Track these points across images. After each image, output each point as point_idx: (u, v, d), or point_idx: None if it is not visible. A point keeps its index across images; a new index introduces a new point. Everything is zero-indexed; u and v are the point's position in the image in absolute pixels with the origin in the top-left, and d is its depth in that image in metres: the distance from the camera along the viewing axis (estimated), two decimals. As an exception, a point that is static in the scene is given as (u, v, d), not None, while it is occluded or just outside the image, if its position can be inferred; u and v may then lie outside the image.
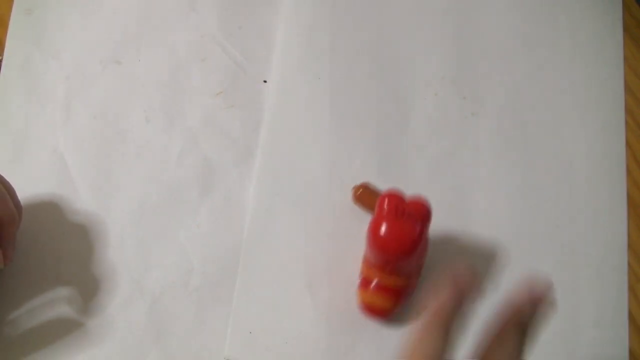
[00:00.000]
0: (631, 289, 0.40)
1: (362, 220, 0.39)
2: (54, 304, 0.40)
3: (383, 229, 0.36)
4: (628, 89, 0.45)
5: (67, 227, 0.41)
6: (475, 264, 0.41)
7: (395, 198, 0.37)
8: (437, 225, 0.41)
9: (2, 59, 0.45)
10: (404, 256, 0.36)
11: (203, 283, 0.40)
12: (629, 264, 0.41)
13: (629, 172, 0.43)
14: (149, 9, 0.47)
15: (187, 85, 0.45)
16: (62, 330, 0.39)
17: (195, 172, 0.43)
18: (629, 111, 0.45)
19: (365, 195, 0.41)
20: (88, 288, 0.40)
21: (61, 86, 0.45)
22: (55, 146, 0.43)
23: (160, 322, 0.39)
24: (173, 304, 0.40)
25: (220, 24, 0.47)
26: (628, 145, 0.44)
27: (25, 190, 0.41)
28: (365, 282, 0.38)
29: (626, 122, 0.44)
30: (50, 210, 0.42)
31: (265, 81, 0.45)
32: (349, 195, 0.42)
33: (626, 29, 0.47)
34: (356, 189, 0.41)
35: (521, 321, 0.27)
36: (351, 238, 0.41)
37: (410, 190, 0.42)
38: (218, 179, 0.43)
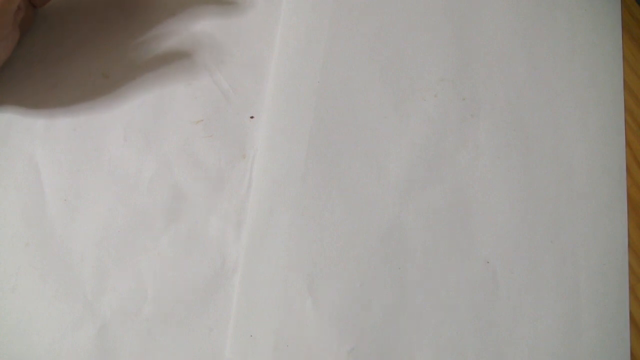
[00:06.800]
0: (632, 289, 0.40)
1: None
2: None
3: None
4: (628, 89, 0.45)
5: (29, 237, 0.41)
6: (474, 266, 0.41)
7: None
8: (437, 228, 0.41)
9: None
10: None
11: (155, 314, 0.39)
12: (630, 265, 0.41)
13: (629, 172, 0.43)
14: (143, 27, 0.47)
15: (168, 108, 0.45)
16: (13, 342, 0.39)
17: (163, 199, 0.42)
18: (628, 111, 0.45)
19: None
20: (42, 303, 0.39)
21: (46, 95, 0.45)
22: (32, 154, 0.43)
23: (106, 348, 0.39)
24: (122, 331, 0.39)
25: (212, 48, 0.47)
26: (628, 145, 0.44)
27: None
28: None
29: (626, 122, 0.44)
30: (17, 218, 0.42)
31: (252, 117, 0.44)
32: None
33: (626, 29, 0.47)
34: None
35: None
36: (351, 239, 0.41)
37: (409, 191, 0.42)
38: (185, 210, 0.42)
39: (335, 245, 0.41)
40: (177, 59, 0.46)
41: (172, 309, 0.39)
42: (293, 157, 0.43)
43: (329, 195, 0.42)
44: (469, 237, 0.41)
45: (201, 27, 0.47)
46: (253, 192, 0.42)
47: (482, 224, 0.41)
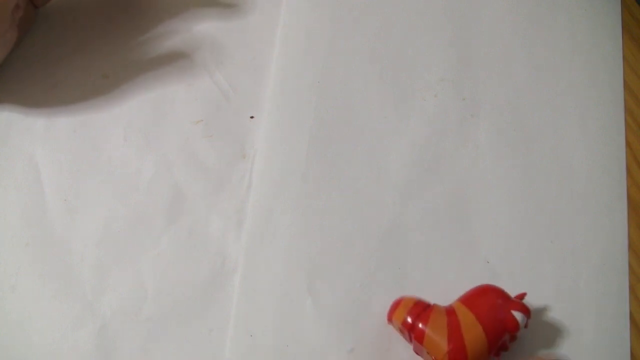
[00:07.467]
0: (632, 289, 0.40)
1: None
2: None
3: None
4: (628, 89, 0.45)
5: (29, 237, 0.41)
6: (474, 266, 0.41)
7: None
8: (437, 228, 0.41)
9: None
10: None
11: (155, 313, 0.39)
12: (630, 265, 0.41)
13: (629, 172, 0.43)
14: (143, 27, 0.47)
15: (169, 109, 0.45)
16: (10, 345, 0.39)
17: (163, 199, 0.42)
18: (628, 111, 0.45)
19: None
20: (42, 303, 0.39)
21: (46, 95, 0.45)
22: (32, 154, 0.43)
23: (106, 348, 0.38)
24: (122, 331, 0.39)
25: (213, 49, 0.47)
26: (628, 145, 0.44)
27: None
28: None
29: (626, 122, 0.44)
30: (17, 218, 0.42)
31: (252, 117, 0.44)
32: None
33: (626, 29, 0.47)
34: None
35: None
36: (351, 239, 0.41)
37: (409, 191, 0.42)
38: (185, 210, 0.42)
39: (335, 245, 0.41)
40: (178, 60, 0.46)
41: (172, 309, 0.39)
42: (293, 157, 0.43)
43: (329, 195, 0.42)
44: (469, 237, 0.41)
45: (201, 27, 0.47)
46: (253, 192, 0.42)
47: (482, 224, 0.41)
